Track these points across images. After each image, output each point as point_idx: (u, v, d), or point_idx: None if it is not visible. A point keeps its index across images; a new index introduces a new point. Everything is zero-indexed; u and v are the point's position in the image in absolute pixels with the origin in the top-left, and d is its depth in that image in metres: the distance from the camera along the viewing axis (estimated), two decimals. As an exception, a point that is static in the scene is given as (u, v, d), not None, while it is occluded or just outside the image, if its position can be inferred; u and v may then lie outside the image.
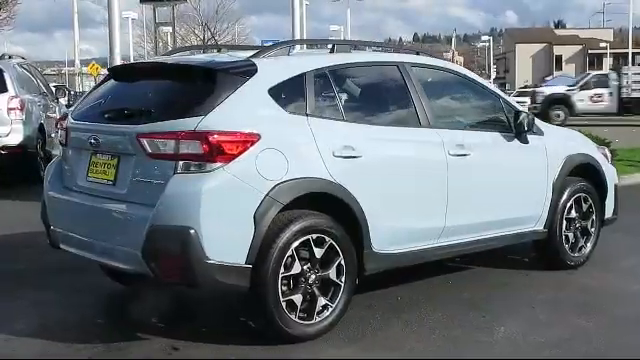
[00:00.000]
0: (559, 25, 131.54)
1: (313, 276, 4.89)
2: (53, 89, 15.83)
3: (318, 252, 4.90)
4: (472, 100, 6.50)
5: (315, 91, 5.15)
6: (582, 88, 31.60)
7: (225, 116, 4.68)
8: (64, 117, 10.89)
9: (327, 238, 4.93)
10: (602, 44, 72.76)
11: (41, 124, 12.98)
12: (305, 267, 4.86)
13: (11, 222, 8.87)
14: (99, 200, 5.01)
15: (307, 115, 5.02)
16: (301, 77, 5.11)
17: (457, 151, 5.71)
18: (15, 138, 11.96)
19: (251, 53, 5.23)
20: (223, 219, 4.56)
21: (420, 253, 5.61)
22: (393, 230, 5.30)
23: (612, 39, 78.92)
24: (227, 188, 4.56)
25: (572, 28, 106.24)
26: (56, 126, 10.97)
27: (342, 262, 5.01)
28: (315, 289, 4.89)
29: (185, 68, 5.21)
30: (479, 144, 5.96)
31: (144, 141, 4.68)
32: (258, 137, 4.67)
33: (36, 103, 13.21)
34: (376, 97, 5.78)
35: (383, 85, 5.86)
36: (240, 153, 4.61)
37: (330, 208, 4.98)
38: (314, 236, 4.87)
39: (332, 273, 4.99)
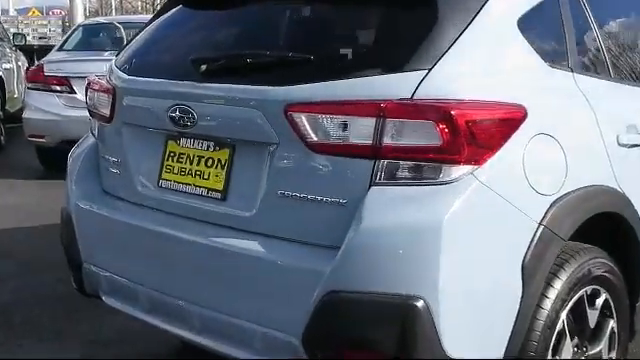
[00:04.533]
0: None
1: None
2: (10, 36, 13.05)
3: (591, 316, 2.68)
4: None
5: (575, 26, 2.85)
6: None
7: (462, 72, 2.37)
8: (40, 68, 8.49)
9: (602, 291, 2.71)
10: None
11: (-2, 77, 10.30)
12: (575, 347, 2.63)
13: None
14: (188, 226, 2.68)
15: (571, 70, 2.74)
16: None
17: None
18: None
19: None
20: (473, 277, 2.28)
21: None
22: None
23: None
24: (481, 216, 2.29)
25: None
26: (28, 79, 8.44)
27: (615, 328, 2.80)
28: None
29: None
30: None
31: (303, 118, 2.34)
32: (523, 113, 2.38)
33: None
34: None
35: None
36: (499, 145, 2.32)
37: (602, 236, 2.75)
38: (588, 289, 2.64)
39: (604, 349, 2.78)
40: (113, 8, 46.41)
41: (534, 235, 2.37)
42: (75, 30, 9.16)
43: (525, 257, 2.35)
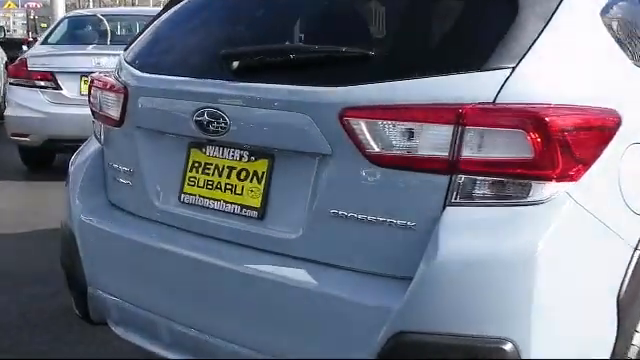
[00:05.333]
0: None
1: None
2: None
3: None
4: None
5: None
6: None
7: (547, 71, 2.00)
8: (23, 62, 7.98)
9: None
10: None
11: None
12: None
13: None
14: (217, 248, 2.30)
15: None
16: None
17: None
18: None
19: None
20: (569, 314, 1.91)
21: None
22: None
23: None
24: (577, 242, 1.92)
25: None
26: (9, 75, 7.97)
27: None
28: None
29: None
30: None
31: (362, 125, 1.97)
32: (618, 120, 2.02)
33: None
34: None
35: None
36: (594, 157, 1.96)
37: None
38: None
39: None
40: (91, 1, 45.68)
41: (629, 263, 2.02)
42: (60, 23, 8.69)
43: (620, 289, 1.99)
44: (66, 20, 8.85)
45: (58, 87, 7.31)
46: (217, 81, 2.27)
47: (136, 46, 2.75)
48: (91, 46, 7.99)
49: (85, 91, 7.24)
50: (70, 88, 7.28)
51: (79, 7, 41.22)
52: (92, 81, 2.91)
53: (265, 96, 2.16)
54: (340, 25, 2.29)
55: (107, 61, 7.19)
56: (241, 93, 2.21)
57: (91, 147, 2.89)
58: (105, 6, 40.32)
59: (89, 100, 2.95)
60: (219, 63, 2.28)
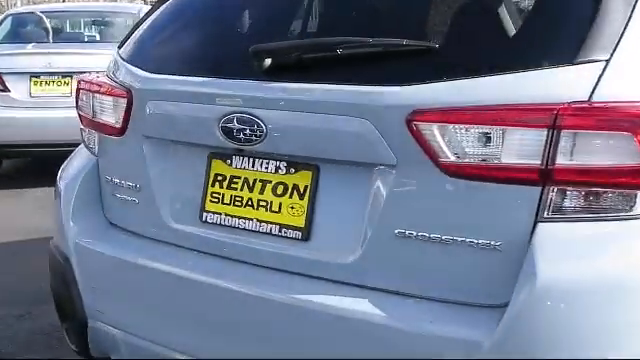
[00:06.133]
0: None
1: None
2: None
3: None
4: None
5: None
6: None
7: None
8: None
9: None
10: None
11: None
12: None
13: None
14: (252, 275, 1.99)
15: None
16: None
17: None
18: None
19: None
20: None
21: None
22: None
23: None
24: None
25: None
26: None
27: None
28: None
29: None
30: None
31: (435, 130, 1.69)
32: None
33: None
34: None
35: None
36: None
37: None
38: None
39: None
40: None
41: None
42: (3, 21, 8.16)
43: None
44: (10, 18, 8.33)
45: (6, 89, 6.83)
46: (250, 81, 1.96)
47: (137, 41, 2.41)
48: (41, 45, 7.52)
49: (36, 93, 6.81)
50: (19, 90, 6.80)
51: (8, 7, 39.92)
52: (79, 83, 2.56)
53: (312, 98, 1.86)
54: (401, 11, 1.98)
55: (59, 60, 6.79)
56: (281, 95, 1.90)
57: (82, 159, 2.54)
58: (35, 3, 39.09)
59: (76, 105, 2.59)
60: (249, 60, 1.96)
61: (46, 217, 4.04)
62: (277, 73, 1.93)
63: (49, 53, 6.98)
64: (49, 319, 3.45)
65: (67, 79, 6.75)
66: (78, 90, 2.57)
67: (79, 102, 2.56)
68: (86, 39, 8.70)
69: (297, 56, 1.92)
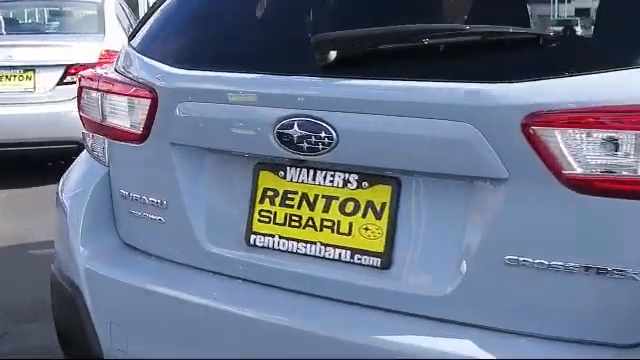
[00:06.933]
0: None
1: None
2: None
3: None
4: None
5: None
6: None
7: None
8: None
9: None
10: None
11: None
12: None
13: None
14: (318, 310, 1.66)
15: None
16: None
17: None
18: None
19: None
20: None
21: None
22: None
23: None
24: None
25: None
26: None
27: None
28: None
29: None
30: None
31: (557, 136, 1.39)
32: None
33: None
34: None
35: None
36: None
37: None
38: None
39: None
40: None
41: None
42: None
43: None
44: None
45: None
46: (314, 78, 1.63)
47: (157, 30, 2.05)
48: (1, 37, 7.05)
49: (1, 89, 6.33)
50: None
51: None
52: (82, 80, 2.20)
53: (398, 98, 1.54)
54: None
55: (19, 53, 6.32)
56: (355, 95, 1.58)
57: (88, 169, 2.19)
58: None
59: (78, 106, 2.23)
60: (314, 52, 1.63)
61: (12, 222, 3.65)
62: (348, 68, 1.61)
63: (7, 46, 6.51)
64: (31, 340, 3.15)
65: (29, 73, 6.27)
66: (80, 89, 2.21)
67: (81, 102, 2.21)
68: (47, 30, 8.22)
69: (374, 47, 1.59)
